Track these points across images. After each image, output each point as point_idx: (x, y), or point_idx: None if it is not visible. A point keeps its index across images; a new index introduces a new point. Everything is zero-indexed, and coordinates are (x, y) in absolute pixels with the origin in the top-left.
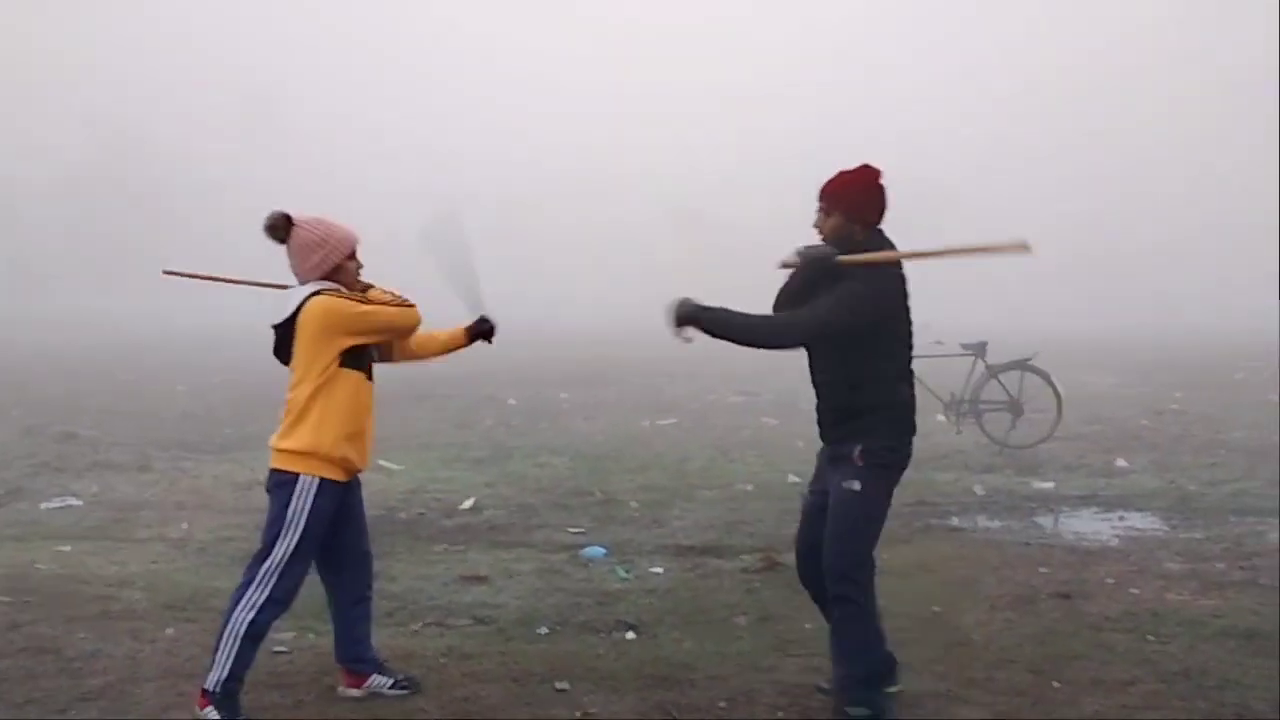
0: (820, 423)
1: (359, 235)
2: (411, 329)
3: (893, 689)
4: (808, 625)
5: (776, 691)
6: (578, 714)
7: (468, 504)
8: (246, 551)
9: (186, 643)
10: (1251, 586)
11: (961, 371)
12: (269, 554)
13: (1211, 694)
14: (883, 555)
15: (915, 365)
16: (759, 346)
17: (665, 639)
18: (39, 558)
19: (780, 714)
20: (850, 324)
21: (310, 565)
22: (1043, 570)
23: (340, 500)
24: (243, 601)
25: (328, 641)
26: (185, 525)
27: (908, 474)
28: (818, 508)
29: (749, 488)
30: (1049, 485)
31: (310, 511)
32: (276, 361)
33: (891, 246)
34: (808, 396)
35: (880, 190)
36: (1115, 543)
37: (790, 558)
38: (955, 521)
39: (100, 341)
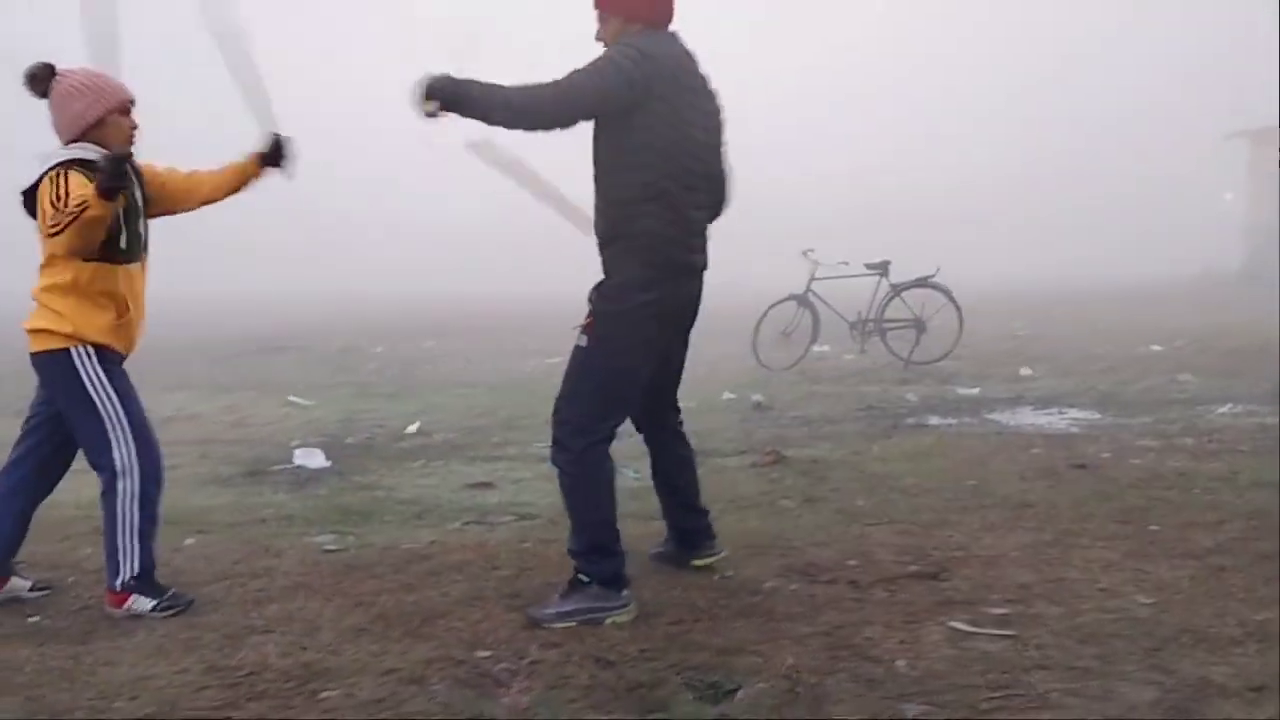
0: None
1: (134, 94)
2: (94, 235)
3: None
4: (860, 502)
5: (888, 552)
6: (715, 577)
7: (413, 428)
8: (214, 473)
9: (217, 548)
10: (1238, 454)
11: (866, 292)
12: (108, 438)
13: None
14: (872, 449)
15: (820, 286)
16: (513, 126)
17: (727, 521)
18: None
19: (910, 566)
20: (602, 96)
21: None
22: (1035, 451)
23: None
24: (120, 497)
25: None
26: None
27: (838, 386)
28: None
29: (693, 403)
30: (975, 391)
31: (108, 376)
32: None
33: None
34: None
35: None
36: (1077, 429)
37: (795, 452)
38: (914, 421)
39: None
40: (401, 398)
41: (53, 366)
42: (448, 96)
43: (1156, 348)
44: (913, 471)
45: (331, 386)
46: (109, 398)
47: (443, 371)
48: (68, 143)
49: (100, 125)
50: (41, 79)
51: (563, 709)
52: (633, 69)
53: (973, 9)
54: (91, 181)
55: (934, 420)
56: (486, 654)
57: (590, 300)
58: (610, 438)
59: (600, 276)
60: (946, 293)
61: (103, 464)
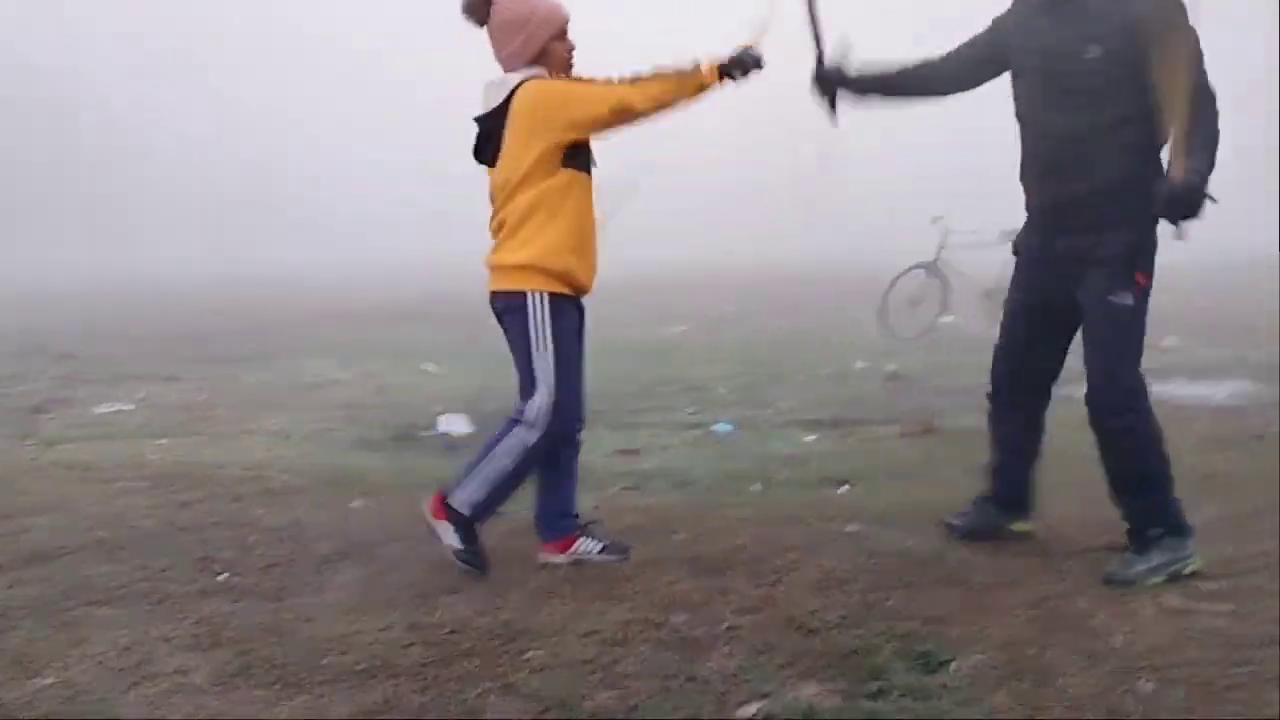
0: (1044, 209)
1: (567, 12)
2: (651, 112)
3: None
4: None
5: (1073, 525)
6: (898, 546)
7: None
8: (362, 438)
9: (386, 510)
10: None
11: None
12: (533, 390)
13: None
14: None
15: (951, 254)
16: (931, 92)
17: (892, 490)
18: (141, 451)
19: (1102, 538)
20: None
21: (579, 392)
22: (1203, 422)
23: (580, 319)
24: (510, 436)
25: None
26: (274, 421)
27: (972, 356)
28: (1026, 311)
29: (828, 371)
30: None
31: (554, 329)
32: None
33: None
34: (807, 297)
35: None
36: (1240, 402)
37: (944, 422)
38: (1063, 393)
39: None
40: None
41: (508, 306)
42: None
43: None
44: (1075, 443)
45: (453, 355)
46: (545, 341)
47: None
48: (511, 70)
49: (541, 54)
50: (478, 7)
51: (774, 674)
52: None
53: None
54: None
55: (1082, 392)
56: (683, 618)
57: (1111, 255)
58: None
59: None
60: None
61: (521, 412)
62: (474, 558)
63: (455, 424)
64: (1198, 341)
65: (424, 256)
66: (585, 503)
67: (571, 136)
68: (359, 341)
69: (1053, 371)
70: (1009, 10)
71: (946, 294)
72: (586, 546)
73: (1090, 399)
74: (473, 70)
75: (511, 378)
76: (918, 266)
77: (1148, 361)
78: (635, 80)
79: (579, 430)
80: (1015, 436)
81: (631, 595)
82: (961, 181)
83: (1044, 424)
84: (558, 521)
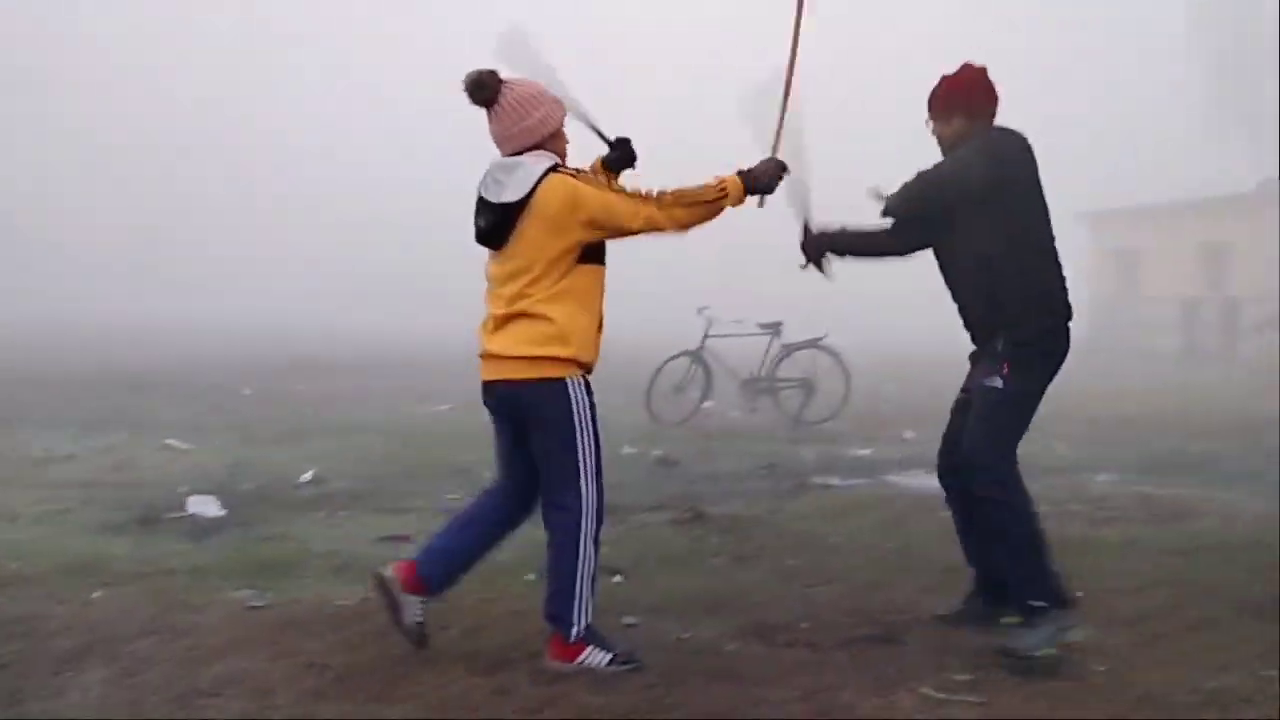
0: (963, 316)
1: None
2: (666, 229)
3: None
4: (791, 561)
5: (836, 613)
6: (674, 638)
7: (307, 476)
8: (101, 520)
9: (131, 601)
10: (1130, 521)
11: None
12: (578, 477)
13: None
14: (786, 507)
15: (714, 344)
16: (891, 253)
17: (663, 580)
18: None
19: (862, 629)
20: (960, 185)
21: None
22: (944, 514)
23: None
24: (583, 534)
25: None
26: None
27: (735, 444)
28: (962, 406)
29: None
30: (867, 452)
31: (593, 414)
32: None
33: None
34: None
35: (992, 85)
36: None
37: (713, 509)
38: (819, 480)
39: None
40: (289, 442)
41: (547, 394)
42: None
43: None
44: (834, 532)
45: (208, 430)
46: (589, 427)
47: (329, 414)
48: (516, 151)
49: (553, 136)
50: (489, 86)
51: None
52: (992, 172)
53: None
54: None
55: (836, 481)
56: None
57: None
58: None
59: None
60: (835, 355)
61: (566, 501)
62: (631, 655)
63: (205, 506)
64: (934, 436)
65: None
66: (350, 592)
67: (598, 238)
68: (92, 411)
69: None
70: None
71: (709, 381)
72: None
73: (961, 472)
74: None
75: (266, 455)
76: (682, 354)
77: (892, 450)
78: (662, 198)
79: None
80: (965, 519)
81: (406, 697)
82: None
83: None
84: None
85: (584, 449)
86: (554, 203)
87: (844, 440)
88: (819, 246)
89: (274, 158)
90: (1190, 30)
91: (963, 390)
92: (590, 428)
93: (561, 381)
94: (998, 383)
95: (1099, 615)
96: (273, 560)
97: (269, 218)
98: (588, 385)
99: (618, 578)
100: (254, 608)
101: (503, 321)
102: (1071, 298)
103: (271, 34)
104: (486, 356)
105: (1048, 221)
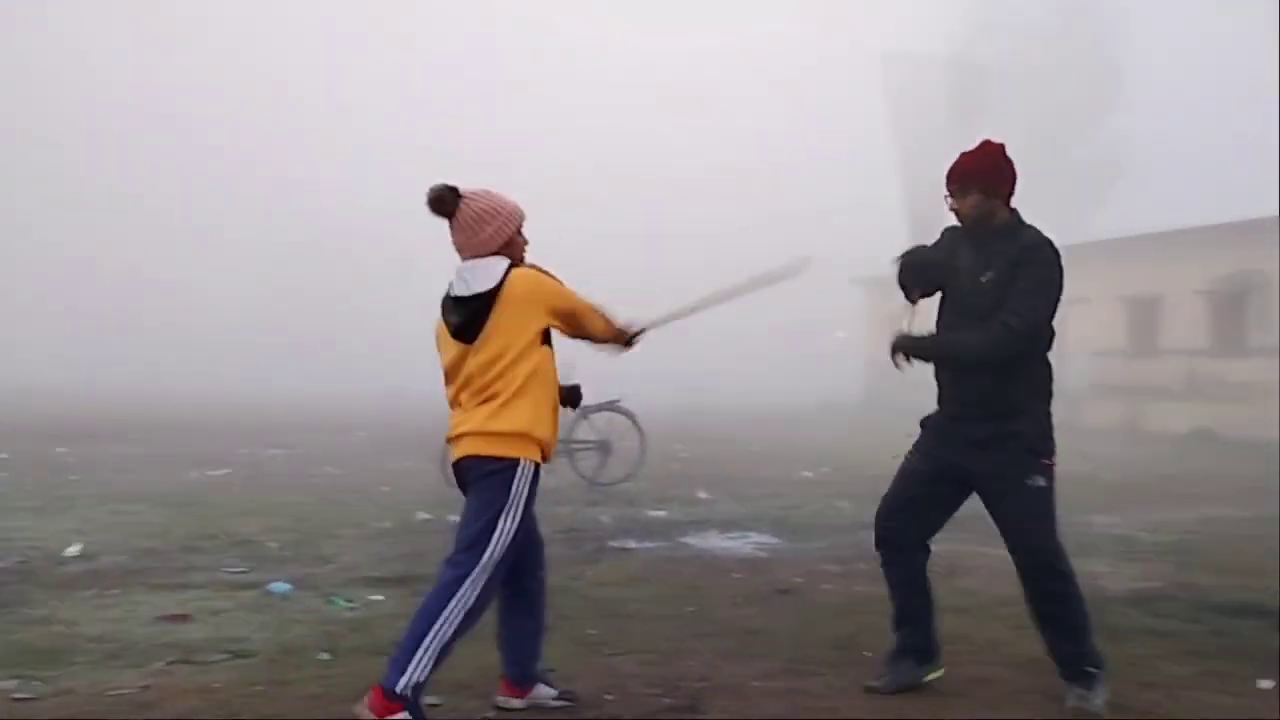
0: (950, 387)
1: (524, 211)
2: (594, 335)
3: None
4: (593, 631)
5: (639, 684)
6: (484, 717)
7: (74, 550)
8: None
9: None
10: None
11: None
12: (486, 546)
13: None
14: (586, 573)
15: None
16: (980, 363)
17: (463, 653)
18: None
19: (665, 699)
20: (1052, 314)
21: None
22: (738, 576)
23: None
24: (456, 598)
25: None
26: None
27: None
28: (926, 476)
29: (387, 524)
30: (663, 513)
31: (528, 498)
32: None
33: (1047, 239)
34: (348, 445)
35: (1010, 163)
36: (765, 554)
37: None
38: (615, 544)
39: None
40: (50, 515)
41: (499, 473)
42: (923, 357)
43: (808, 474)
44: (633, 598)
45: None
46: (517, 512)
47: (93, 482)
48: (476, 256)
49: (508, 244)
50: (448, 201)
51: None
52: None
53: None
54: None
55: (633, 544)
56: None
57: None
58: None
59: None
60: (631, 416)
61: (460, 562)
62: None
63: None
64: (725, 494)
65: None
66: (128, 679)
67: (555, 325)
68: None
69: (937, 528)
70: (940, 238)
71: None
72: (543, 693)
73: (1025, 568)
74: None
75: (25, 526)
76: None
77: (686, 511)
78: (593, 307)
79: (543, 570)
80: (913, 583)
81: None
82: None
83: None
84: (528, 666)
85: (504, 526)
86: (524, 290)
87: (640, 501)
88: (920, 352)
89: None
90: None
91: (924, 457)
92: (519, 510)
93: (515, 460)
94: (1041, 481)
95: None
96: (38, 646)
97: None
98: (537, 472)
99: None
100: (20, 700)
101: (478, 405)
102: (850, 361)
103: None
104: (459, 437)
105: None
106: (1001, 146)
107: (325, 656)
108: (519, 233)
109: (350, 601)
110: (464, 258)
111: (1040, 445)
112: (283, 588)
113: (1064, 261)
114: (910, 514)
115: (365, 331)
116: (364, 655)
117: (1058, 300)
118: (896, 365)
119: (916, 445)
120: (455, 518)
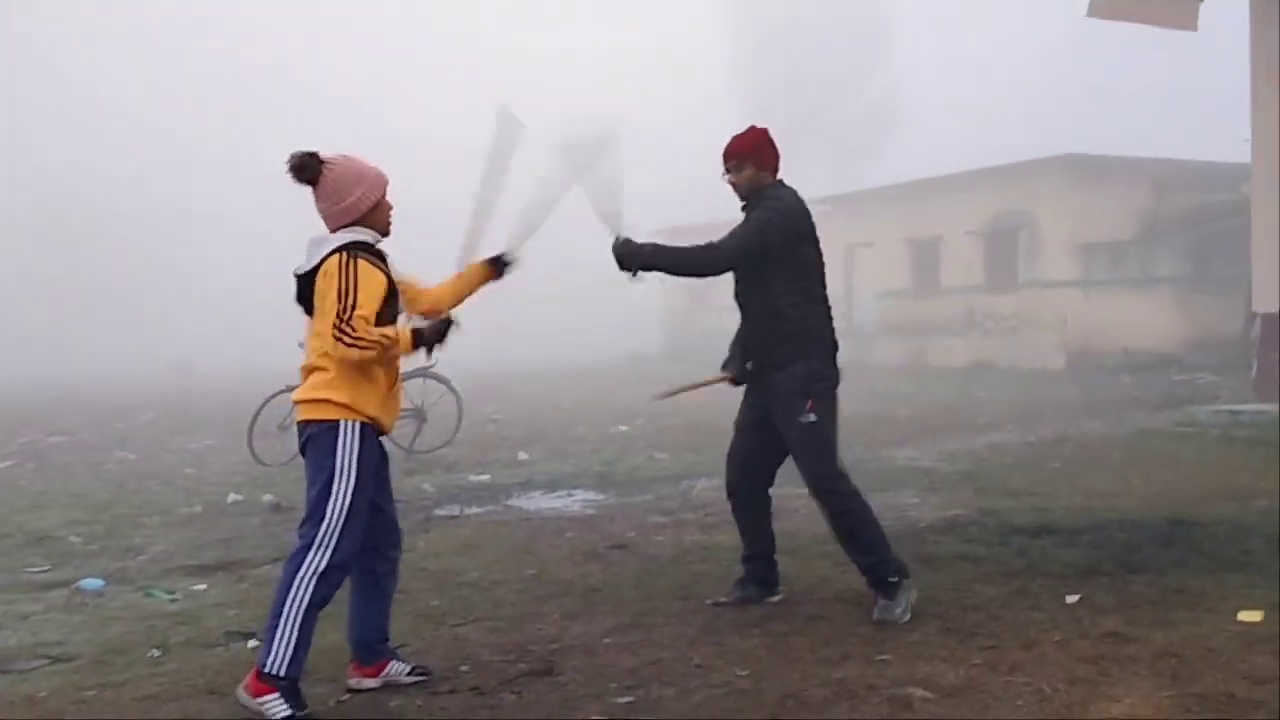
0: (748, 343)
1: (387, 178)
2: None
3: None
4: (435, 602)
5: (490, 652)
6: (331, 702)
7: None
8: None
9: None
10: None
11: None
12: (324, 513)
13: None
14: (418, 543)
15: None
16: (693, 275)
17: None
18: None
19: (519, 665)
20: (764, 246)
21: (365, 524)
22: (570, 535)
23: (380, 454)
24: (303, 569)
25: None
26: None
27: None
28: (752, 425)
29: (197, 509)
30: (485, 477)
31: (359, 458)
32: None
33: (790, 193)
34: (139, 427)
35: (773, 142)
36: (593, 510)
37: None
38: (443, 512)
39: None
40: None
41: (321, 436)
42: (644, 265)
43: (624, 427)
44: (470, 565)
45: None
46: (349, 473)
47: None
48: (338, 228)
49: (373, 209)
50: (309, 168)
51: None
52: (785, 234)
53: None
54: (375, 269)
55: (460, 510)
56: None
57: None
58: None
59: None
60: (445, 382)
61: (304, 532)
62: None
63: None
64: (545, 454)
65: None
66: None
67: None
68: None
69: (773, 470)
70: None
71: None
72: (396, 669)
73: (813, 494)
74: None
75: None
76: (285, 390)
77: (509, 474)
78: (357, 325)
79: (396, 551)
80: (759, 526)
81: None
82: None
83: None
84: (375, 645)
85: (338, 492)
86: (327, 278)
87: (460, 467)
88: (638, 261)
89: None
90: None
91: (747, 408)
92: (351, 474)
93: (335, 423)
94: (810, 417)
95: (732, 621)
96: None
97: None
98: (363, 435)
99: (253, 642)
100: None
101: (305, 374)
102: (647, 315)
103: None
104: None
105: (823, 271)
106: (766, 129)
107: (156, 653)
108: (384, 199)
109: (171, 593)
110: (330, 227)
111: (808, 386)
112: (94, 584)
113: (847, 210)
114: (748, 463)
115: (128, 309)
116: (197, 648)
117: (771, 235)
118: (631, 277)
119: (744, 396)
120: (270, 497)
